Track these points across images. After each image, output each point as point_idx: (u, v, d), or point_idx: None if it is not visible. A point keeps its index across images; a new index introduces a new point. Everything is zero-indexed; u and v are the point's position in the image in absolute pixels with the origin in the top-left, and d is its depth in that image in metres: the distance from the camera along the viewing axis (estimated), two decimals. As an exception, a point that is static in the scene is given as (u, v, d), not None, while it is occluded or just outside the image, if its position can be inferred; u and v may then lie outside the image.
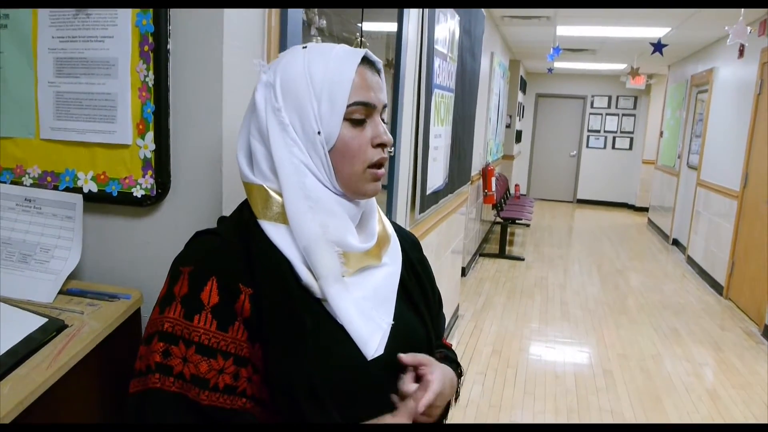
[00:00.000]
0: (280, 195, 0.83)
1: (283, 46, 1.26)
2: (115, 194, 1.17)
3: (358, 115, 0.84)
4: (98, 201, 1.18)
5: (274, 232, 0.83)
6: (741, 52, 5.73)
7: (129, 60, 1.12)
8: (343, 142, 0.84)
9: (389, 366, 0.86)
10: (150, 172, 1.15)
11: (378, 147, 0.87)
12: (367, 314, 0.85)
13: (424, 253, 1.07)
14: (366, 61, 0.86)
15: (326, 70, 0.83)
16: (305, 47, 0.86)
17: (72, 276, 1.14)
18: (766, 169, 4.87)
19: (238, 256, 0.81)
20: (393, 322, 0.88)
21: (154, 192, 1.15)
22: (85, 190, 1.18)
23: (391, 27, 2.29)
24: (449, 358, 1.01)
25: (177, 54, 1.10)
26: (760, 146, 5.08)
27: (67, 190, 1.18)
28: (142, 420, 0.76)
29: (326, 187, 0.85)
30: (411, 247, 1.03)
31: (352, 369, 0.82)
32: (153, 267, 1.16)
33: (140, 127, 1.14)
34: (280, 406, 0.78)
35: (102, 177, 1.17)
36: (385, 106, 0.89)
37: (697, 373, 3.87)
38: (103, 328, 1.03)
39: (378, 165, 0.87)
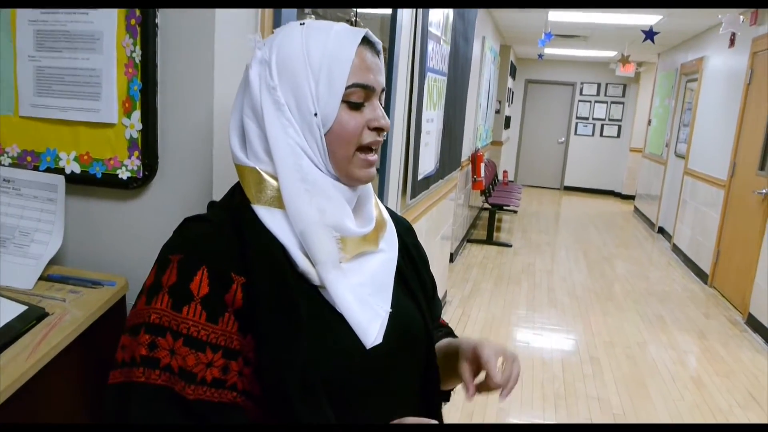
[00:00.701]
0: (274, 178, 0.79)
1: (277, 21, 1.21)
2: (99, 176, 1.11)
3: (356, 98, 0.80)
4: (81, 183, 1.12)
5: (269, 217, 0.79)
6: (732, 42, 5.72)
7: (114, 34, 1.06)
8: (340, 125, 0.80)
9: (388, 354, 0.83)
10: (136, 153, 1.09)
11: (374, 130, 0.83)
12: (365, 301, 0.82)
13: None
14: (366, 41, 0.82)
15: (325, 49, 0.79)
16: (303, 23, 0.82)
17: (53, 261, 1.09)
18: (753, 159, 4.89)
19: (230, 243, 0.77)
20: (391, 310, 0.85)
21: (141, 174, 1.10)
22: (68, 171, 1.12)
23: (386, 9, 2.23)
24: (452, 335, 1.01)
25: (166, 28, 1.05)
26: (748, 136, 5.10)
27: (48, 170, 1.12)
28: (124, 414, 0.72)
29: (321, 170, 0.81)
30: (405, 232, 0.99)
31: (350, 358, 0.79)
32: (139, 253, 1.11)
33: (126, 105, 1.08)
34: (270, 400, 0.74)
35: (85, 157, 1.12)
36: (383, 90, 0.85)
37: (682, 361, 3.89)
38: (86, 316, 0.98)
39: (368, 148, 0.84)
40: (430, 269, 1.04)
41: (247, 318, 0.75)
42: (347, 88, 0.79)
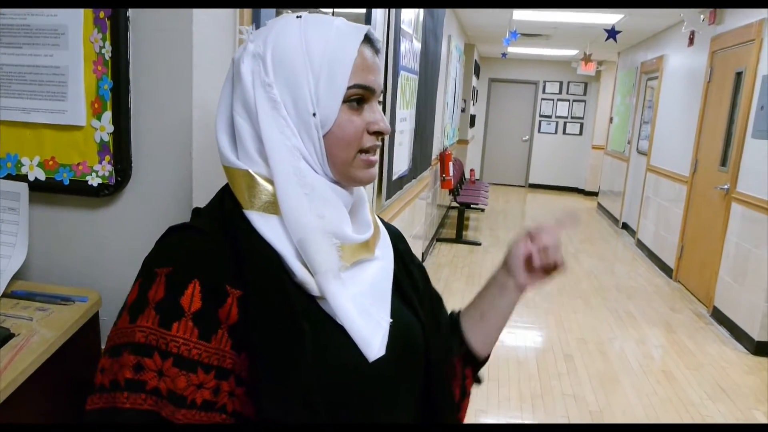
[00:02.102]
0: (268, 182, 0.74)
1: (255, 16, 1.14)
2: (66, 182, 1.03)
3: (357, 99, 0.75)
4: (47, 190, 1.03)
5: (263, 223, 0.73)
6: (691, 41, 5.85)
7: (81, 28, 0.98)
8: (340, 127, 0.75)
9: (390, 367, 0.78)
10: (108, 158, 1.01)
11: (373, 134, 0.78)
12: (366, 312, 0.77)
13: None
14: (366, 39, 0.77)
15: (327, 46, 0.73)
16: (299, 16, 0.76)
17: (17, 276, 1.00)
18: (715, 156, 5.00)
19: (223, 253, 0.71)
20: (392, 320, 0.80)
21: (113, 180, 1.01)
22: (31, 178, 1.03)
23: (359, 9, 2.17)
24: None
25: (138, 22, 0.96)
26: (709, 133, 5.21)
27: (9, 177, 1.03)
28: None
29: (318, 173, 0.76)
30: (396, 238, 0.94)
31: (353, 372, 0.74)
32: (112, 265, 1.02)
33: (96, 105, 1.00)
34: (270, 419, 0.68)
35: (51, 163, 1.03)
36: (382, 91, 0.80)
37: (652, 355, 3.95)
38: (56, 336, 0.90)
39: (369, 150, 0.79)
40: (427, 276, 0.99)
41: (242, 334, 0.69)
42: (349, 88, 0.74)
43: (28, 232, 1.02)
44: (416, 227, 4.14)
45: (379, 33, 2.36)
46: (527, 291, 0.96)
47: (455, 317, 1.01)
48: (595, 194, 10.47)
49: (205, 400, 0.67)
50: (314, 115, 0.73)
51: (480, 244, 6.71)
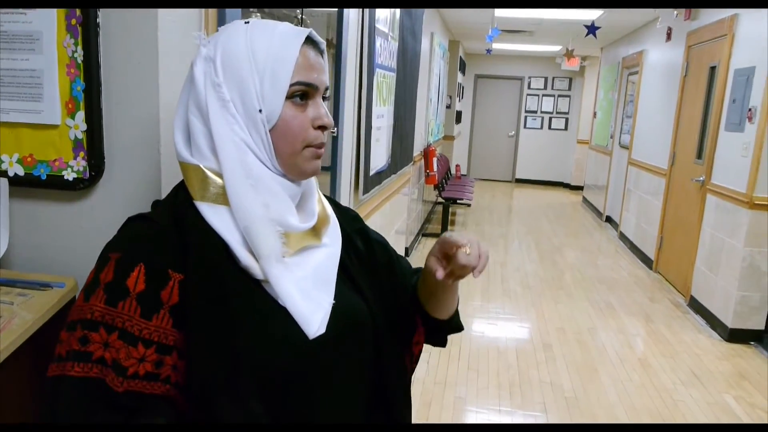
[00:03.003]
0: (218, 176, 0.81)
1: (221, 21, 1.21)
2: (44, 177, 1.10)
3: (300, 95, 0.83)
4: (26, 185, 1.11)
5: (212, 213, 0.80)
6: (669, 36, 5.96)
7: (55, 34, 1.05)
8: (285, 122, 0.82)
9: (332, 345, 0.84)
10: (82, 154, 1.09)
11: (318, 129, 0.85)
12: (307, 293, 0.83)
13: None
14: (309, 41, 0.84)
15: (270, 47, 0.81)
16: (247, 22, 0.83)
17: (-1, 265, 1.08)
18: (691, 148, 5.11)
19: (170, 241, 0.78)
20: (334, 302, 0.86)
21: (87, 174, 1.09)
22: (11, 174, 1.11)
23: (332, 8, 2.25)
24: None
25: (108, 27, 1.04)
26: (686, 126, 5.32)
27: (-11, 173, 1.11)
28: (55, 406, 0.73)
29: (266, 166, 0.83)
30: (351, 220, 1.01)
31: (293, 349, 0.81)
32: (88, 253, 1.09)
33: (69, 106, 1.07)
34: (193, 390, 0.75)
35: (29, 159, 1.10)
36: (327, 88, 0.87)
37: (629, 344, 4.05)
38: (35, 318, 0.98)
39: (317, 146, 0.86)
40: (386, 242, 1.04)
41: (182, 313, 0.76)
42: (291, 85, 0.81)
43: (9, 224, 1.09)
44: (398, 222, 4.22)
45: (353, 32, 2.44)
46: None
47: (414, 292, 1.04)
48: (580, 188, 10.60)
49: (147, 371, 0.74)
50: (260, 111, 0.80)
51: (465, 239, 6.79)
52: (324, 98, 0.87)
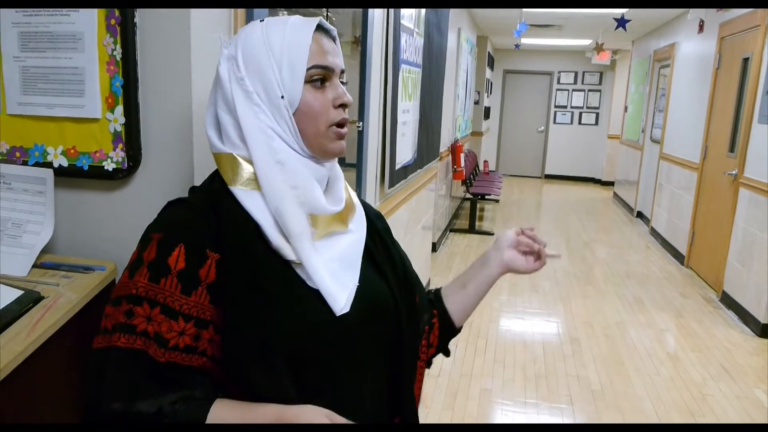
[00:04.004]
0: (249, 162, 0.86)
1: (250, 20, 1.27)
2: (86, 168, 1.18)
3: (318, 78, 0.88)
4: (69, 175, 1.19)
5: (245, 196, 0.86)
6: (701, 27, 5.86)
7: (95, 34, 1.12)
8: (306, 104, 0.87)
9: (355, 325, 0.90)
10: (121, 146, 1.16)
11: (339, 107, 0.90)
12: (335, 274, 0.89)
13: (395, 228, 1.11)
14: (321, 29, 0.90)
15: (284, 38, 0.86)
16: (262, 20, 0.90)
17: (45, 250, 1.16)
18: (724, 142, 5.03)
19: (207, 223, 0.84)
20: (359, 284, 0.92)
21: (126, 165, 1.16)
22: (56, 165, 1.19)
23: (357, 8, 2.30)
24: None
25: (144, 27, 1.11)
26: (718, 119, 5.24)
27: (36, 165, 1.19)
28: (102, 375, 0.79)
29: (293, 149, 0.88)
30: (375, 217, 1.06)
31: (319, 326, 0.86)
32: (126, 239, 1.17)
33: (109, 100, 1.15)
34: (228, 361, 0.81)
35: (72, 151, 1.18)
36: (343, 71, 0.92)
37: (658, 339, 4.02)
38: (79, 298, 1.05)
39: (340, 125, 0.91)
40: (402, 250, 1.09)
41: (219, 291, 0.82)
42: (308, 69, 0.86)
43: (54, 212, 1.17)
44: (424, 217, 4.26)
45: (378, 29, 2.49)
46: (506, 271, 1.12)
47: (437, 291, 1.13)
48: (611, 184, 10.46)
49: (186, 344, 0.80)
50: (282, 97, 0.86)
51: (492, 234, 6.79)
52: (342, 83, 0.92)
